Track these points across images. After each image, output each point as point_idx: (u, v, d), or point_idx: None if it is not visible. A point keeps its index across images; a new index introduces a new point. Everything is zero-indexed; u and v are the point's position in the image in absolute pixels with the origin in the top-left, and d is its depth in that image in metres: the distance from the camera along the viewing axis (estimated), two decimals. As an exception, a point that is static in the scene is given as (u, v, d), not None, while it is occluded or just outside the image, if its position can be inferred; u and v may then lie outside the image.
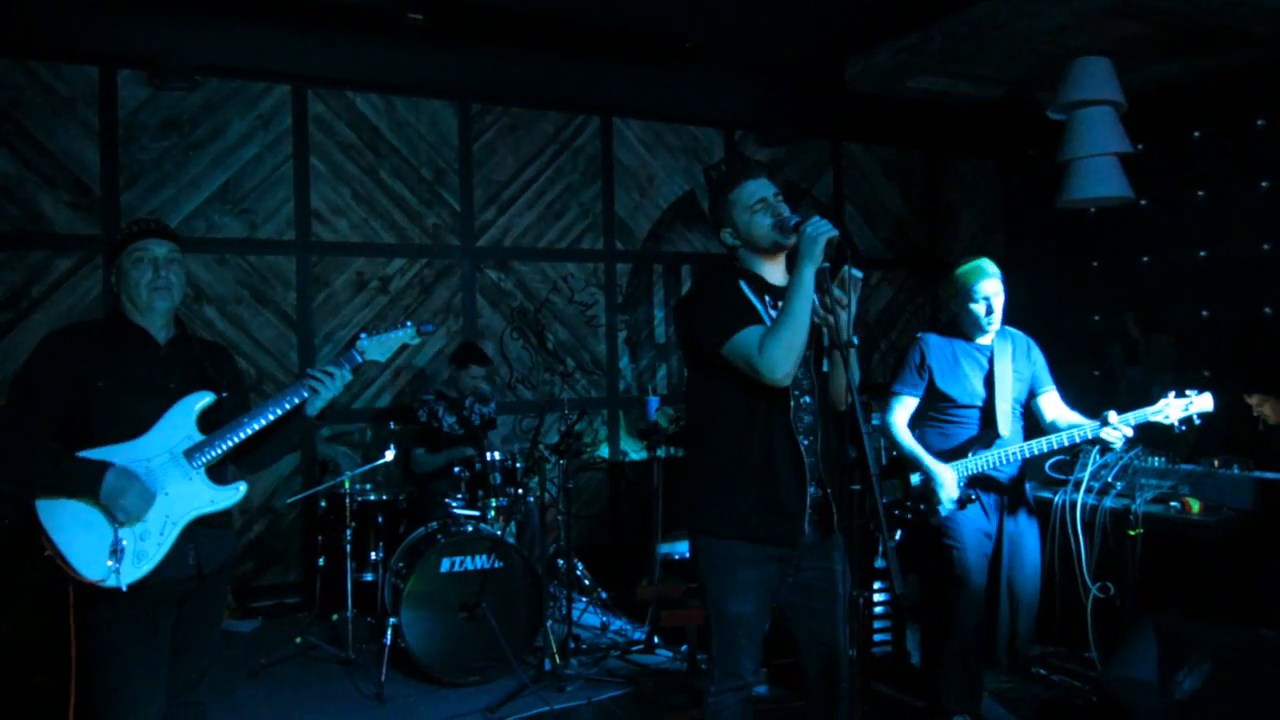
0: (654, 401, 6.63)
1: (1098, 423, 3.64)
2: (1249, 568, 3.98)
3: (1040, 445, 3.73)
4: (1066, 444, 3.73)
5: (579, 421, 5.44)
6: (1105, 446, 3.73)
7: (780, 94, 7.19)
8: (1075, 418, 3.79)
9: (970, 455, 3.76)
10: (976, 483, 3.77)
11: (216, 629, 2.85)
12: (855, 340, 2.59)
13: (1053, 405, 3.90)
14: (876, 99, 6.89)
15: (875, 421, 4.67)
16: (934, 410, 3.89)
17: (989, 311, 3.75)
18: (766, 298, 2.75)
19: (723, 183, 2.91)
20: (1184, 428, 3.74)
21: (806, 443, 2.69)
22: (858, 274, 2.61)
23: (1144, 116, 6.21)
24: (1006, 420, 3.77)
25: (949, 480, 3.71)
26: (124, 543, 2.50)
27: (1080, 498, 4.31)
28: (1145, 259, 6.87)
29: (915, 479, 3.85)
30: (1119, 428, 3.60)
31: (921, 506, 3.83)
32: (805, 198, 7.83)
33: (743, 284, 2.76)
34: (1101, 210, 6.72)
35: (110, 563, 2.48)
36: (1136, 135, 6.05)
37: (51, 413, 2.55)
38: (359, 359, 2.82)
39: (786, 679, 4.33)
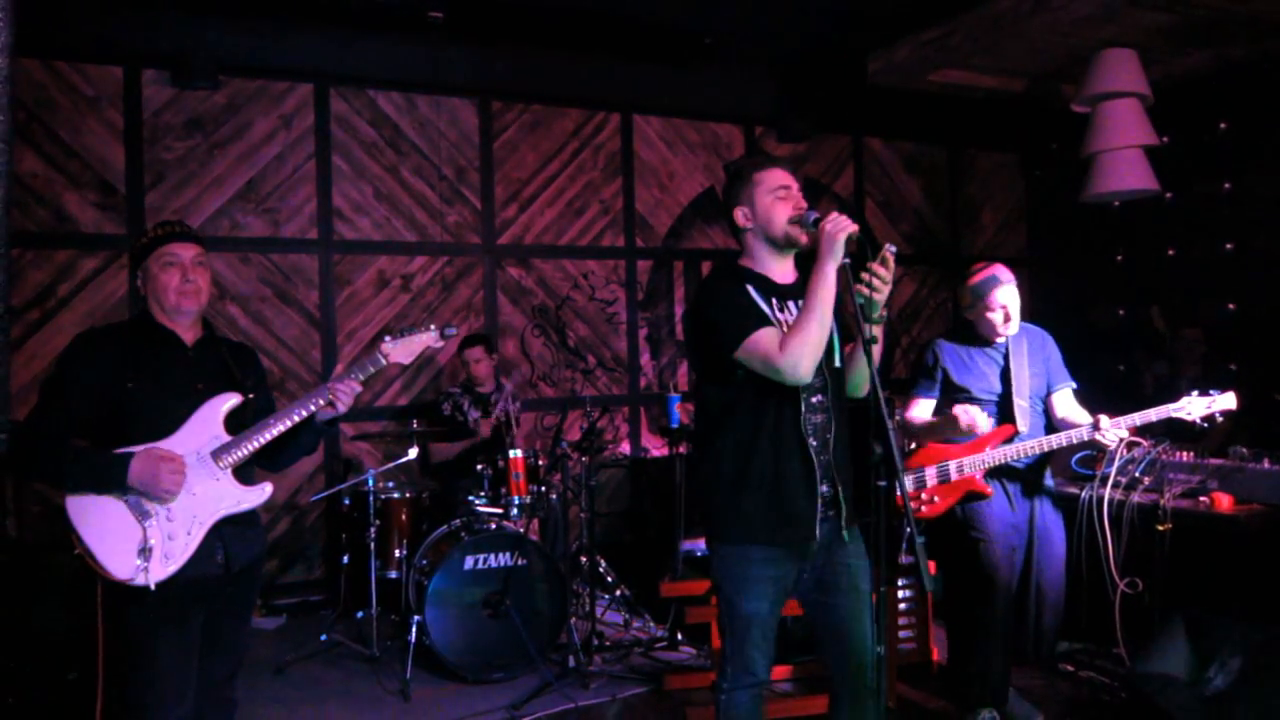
0: (675, 399, 6.62)
1: (1090, 425, 3.64)
2: (1280, 563, 3.94)
3: (1049, 443, 3.72)
4: (1066, 444, 3.72)
5: (599, 418, 5.45)
6: (1102, 449, 3.72)
7: (801, 89, 7.17)
8: (1082, 416, 3.77)
9: (987, 450, 3.73)
10: (999, 474, 3.76)
11: (246, 626, 2.87)
12: (885, 318, 2.58)
13: (1064, 403, 3.88)
14: (898, 94, 6.85)
15: (898, 416, 4.65)
16: (950, 406, 3.87)
17: (1007, 320, 3.77)
18: (774, 300, 2.74)
19: (750, 163, 2.88)
20: (1206, 425, 3.72)
21: (816, 444, 2.68)
22: (893, 249, 2.57)
23: (1169, 108, 6.15)
24: (1025, 416, 3.75)
25: (974, 410, 3.68)
26: (152, 542, 2.51)
27: (1107, 493, 4.28)
28: (1171, 253, 6.81)
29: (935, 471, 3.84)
30: (1110, 431, 3.60)
31: (934, 498, 3.82)
32: (825, 194, 7.79)
33: (750, 288, 2.74)
34: (1126, 204, 6.67)
35: (138, 562, 2.49)
36: (1162, 127, 5.99)
37: (81, 413, 2.57)
38: (383, 361, 2.81)
39: (810, 677, 4.32)
